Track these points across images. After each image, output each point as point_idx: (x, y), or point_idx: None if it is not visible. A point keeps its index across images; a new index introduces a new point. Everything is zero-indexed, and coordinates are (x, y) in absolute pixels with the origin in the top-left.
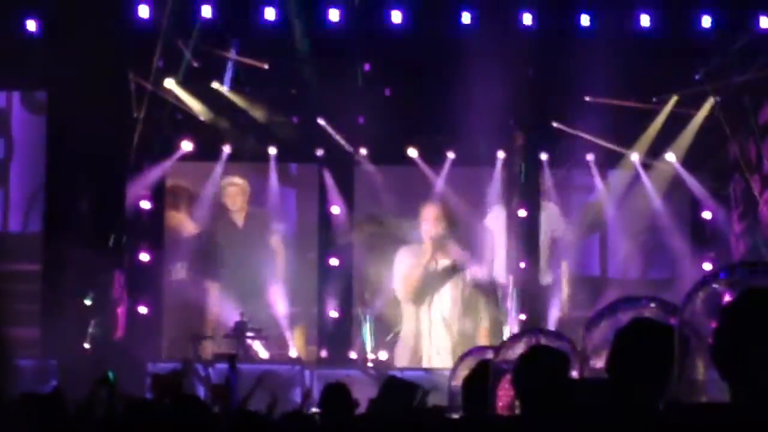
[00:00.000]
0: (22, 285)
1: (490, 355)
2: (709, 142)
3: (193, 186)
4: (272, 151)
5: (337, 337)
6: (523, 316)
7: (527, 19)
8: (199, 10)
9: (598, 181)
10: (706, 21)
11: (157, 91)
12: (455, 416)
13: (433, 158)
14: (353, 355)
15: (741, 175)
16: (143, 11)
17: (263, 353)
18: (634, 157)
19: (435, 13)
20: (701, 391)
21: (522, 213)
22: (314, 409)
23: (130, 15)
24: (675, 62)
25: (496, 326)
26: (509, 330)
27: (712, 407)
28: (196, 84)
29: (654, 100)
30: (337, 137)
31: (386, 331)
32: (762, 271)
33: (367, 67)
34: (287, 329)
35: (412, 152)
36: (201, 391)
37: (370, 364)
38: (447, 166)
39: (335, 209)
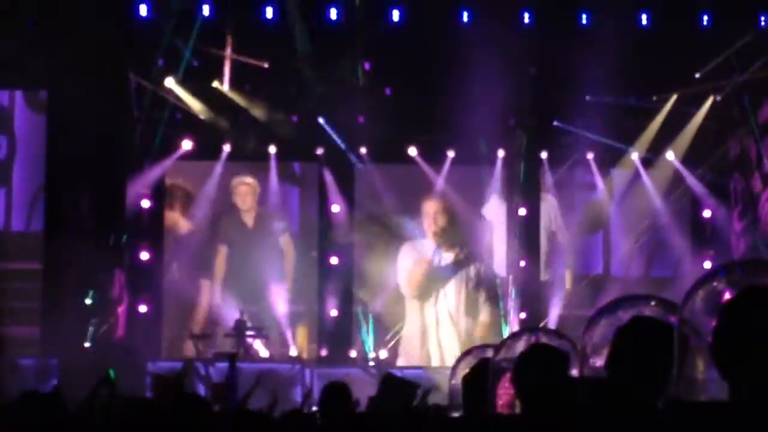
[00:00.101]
0: (22, 283)
1: (490, 353)
2: (709, 140)
3: (192, 185)
4: (272, 150)
5: (337, 336)
6: (523, 315)
7: (527, 17)
8: (200, 9)
9: (598, 179)
10: (707, 20)
11: (158, 91)
12: (455, 415)
13: (434, 157)
14: (353, 353)
15: (741, 173)
16: (143, 11)
17: (263, 352)
18: (635, 155)
19: (435, 12)
20: (701, 389)
21: (522, 211)
22: (314, 408)
23: (130, 15)
24: (675, 61)
25: (496, 323)
26: (509, 328)
27: (712, 406)
28: (196, 83)
29: (654, 98)
30: (336, 136)
31: (387, 330)
32: (762, 270)
33: (367, 66)
34: (288, 328)
35: (413, 151)
36: (202, 390)
37: (371, 363)
38: (447, 164)
39: (335, 208)
